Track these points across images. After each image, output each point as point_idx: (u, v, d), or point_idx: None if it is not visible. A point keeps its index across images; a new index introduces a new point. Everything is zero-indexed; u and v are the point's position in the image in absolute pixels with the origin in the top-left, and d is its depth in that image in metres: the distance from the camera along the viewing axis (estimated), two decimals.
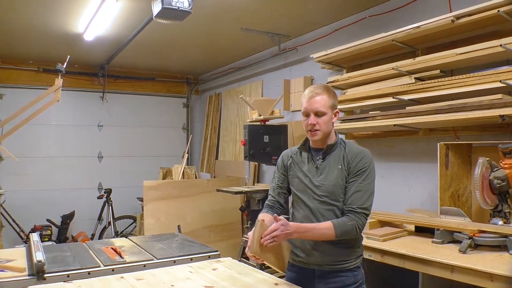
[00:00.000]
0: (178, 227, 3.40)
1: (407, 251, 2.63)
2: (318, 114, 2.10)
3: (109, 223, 6.50)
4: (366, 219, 2.11)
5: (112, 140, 7.37)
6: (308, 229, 2.02)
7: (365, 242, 2.90)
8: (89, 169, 7.18)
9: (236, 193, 4.60)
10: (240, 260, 4.29)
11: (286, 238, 2.00)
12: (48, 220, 6.53)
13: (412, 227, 3.19)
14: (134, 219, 7.00)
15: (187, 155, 6.49)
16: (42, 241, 2.99)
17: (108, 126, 7.36)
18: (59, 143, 6.94)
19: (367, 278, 3.09)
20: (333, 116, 2.16)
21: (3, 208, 6.03)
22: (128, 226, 7.07)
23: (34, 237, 2.91)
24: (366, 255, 2.89)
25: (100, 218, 6.77)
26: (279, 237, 1.93)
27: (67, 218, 6.67)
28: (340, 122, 3.95)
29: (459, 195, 3.18)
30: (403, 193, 3.82)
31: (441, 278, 2.54)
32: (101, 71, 7.10)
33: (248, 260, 4.39)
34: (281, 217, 1.99)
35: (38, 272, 2.24)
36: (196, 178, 6.26)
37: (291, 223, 1.99)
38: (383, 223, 3.22)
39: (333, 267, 2.14)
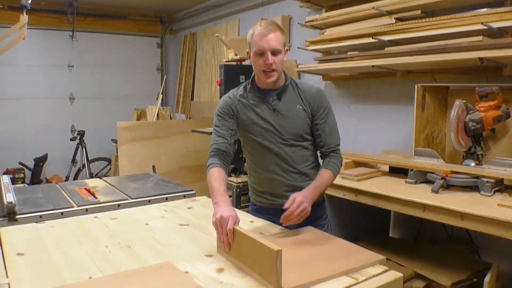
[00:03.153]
0: (153, 167, 3.37)
1: (381, 191, 2.66)
2: (275, 52, 1.96)
3: (83, 166, 6.42)
4: None
5: (83, 81, 7.13)
6: (318, 188, 1.96)
7: (340, 182, 2.93)
8: (61, 111, 6.99)
9: (211, 133, 4.56)
10: None
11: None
12: (20, 163, 6.42)
13: (386, 168, 3.23)
14: (109, 161, 6.94)
15: (161, 95, 6.37)
16: (15, 184, 2.92)
17: (79, 67, 7.10)
18: (28, 85, 6.68)
19: (339, 219, 3.19)
20: (285, 54, 2.04)
21: None
22: (103, 168, 7.02)
23: (5, 179, 2.84)
24: (341, 194, 2.93)
25: (74, 161, 6.68)
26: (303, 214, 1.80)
27: (40, 161, 6.57)
28: (318, 63, 3.89)
29: (433, 137, 3.21)
30: (379, 135, 3.85)
31: (411, 217, 2.60)
32: (70, 9, 6.73)
33: None
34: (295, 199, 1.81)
35: (9, 213, 2.21)
36: (171, 119, 6.16)
37: (302, 196, 1.82)
38: (358, 164, 3.24)
39: None
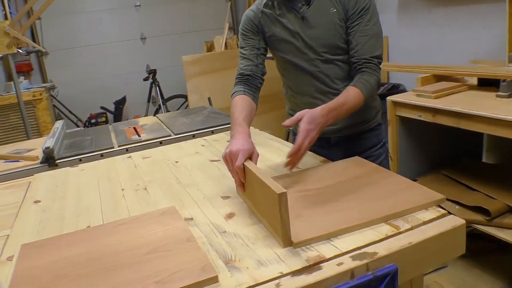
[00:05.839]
0: (209, 99, 3.15)
1: (462, 108, 2.18)
2: None
3: (159, 105, 6.43)
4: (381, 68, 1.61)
5: (153, 19, 6.97)
6: (337, 109, 1.42)
7: (415, 100, 2.48)
8: (134, 52, 6.94)
9: None
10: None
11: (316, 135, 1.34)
12: (102, 108, 6.58)
13: (474, 81, 2.68)
14: (186, 97, 6.88)
15: (227, 24, 6.02)
16: None
17: (146, 5, 6.92)
18: (99, 30, 6.64)
19: (416, 144, 2.75)
20: None
21: (58, 100, 6.12)
22: (182, 105, 6.99)
23: (57, 124, 2.82)
24: (416, 115, 2.49)
25: (149, 100, 6.71)
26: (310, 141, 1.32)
27: (119, 104, 6.69)
28: None
29: None
30: (465, 42, 3.22)
31: (508, 138, 2.11)
32: None
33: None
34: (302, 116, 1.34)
35: (47, 159, 2.16)
36: (238, 47, 5.83)
37: (308, 120, 1.33)
38: (438, 78, 2.73)
39: (352, 131, 1.75)
